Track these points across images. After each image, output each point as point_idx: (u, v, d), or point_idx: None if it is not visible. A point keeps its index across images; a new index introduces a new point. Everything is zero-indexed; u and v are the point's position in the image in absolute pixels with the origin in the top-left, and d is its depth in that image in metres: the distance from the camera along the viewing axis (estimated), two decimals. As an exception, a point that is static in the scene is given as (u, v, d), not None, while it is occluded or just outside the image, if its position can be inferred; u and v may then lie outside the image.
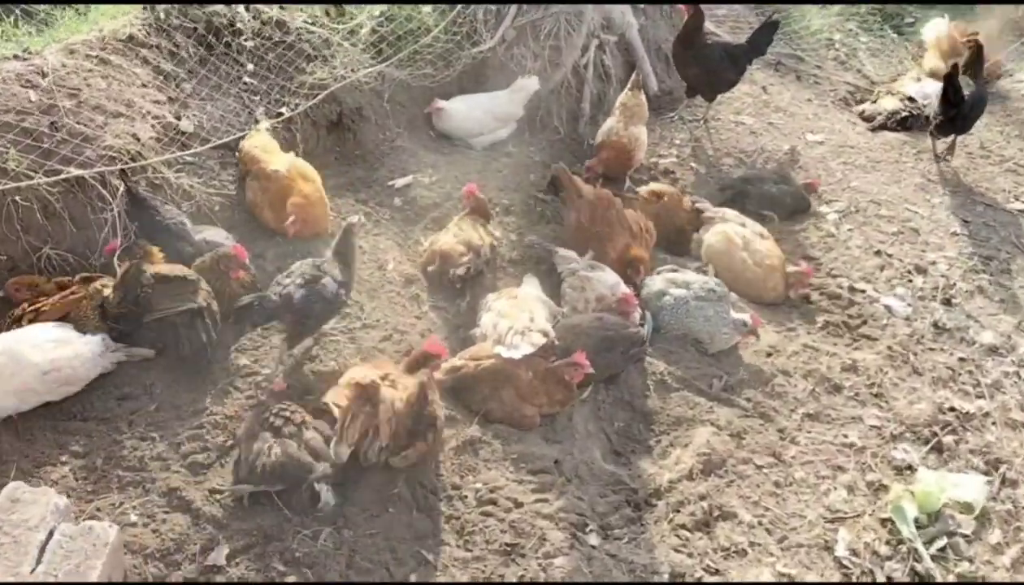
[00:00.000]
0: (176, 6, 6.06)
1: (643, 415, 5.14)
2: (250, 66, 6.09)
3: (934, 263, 6.63)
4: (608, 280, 5.60)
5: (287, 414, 4.24)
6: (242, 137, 5.88)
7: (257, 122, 6.00)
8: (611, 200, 6.01)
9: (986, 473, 4.96)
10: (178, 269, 4.79)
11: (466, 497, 4.40)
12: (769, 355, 5.61)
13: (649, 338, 5.49)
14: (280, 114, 6.18)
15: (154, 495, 4.13)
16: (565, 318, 5.42)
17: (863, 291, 6.27)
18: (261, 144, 5.69)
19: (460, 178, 6.51)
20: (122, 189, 5.17)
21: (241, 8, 6.22)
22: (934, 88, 8.63)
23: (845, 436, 5.09)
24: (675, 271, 5.88)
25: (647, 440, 5.04)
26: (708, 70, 7.43)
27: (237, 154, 5.79)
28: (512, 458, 4.63)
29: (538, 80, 7.11)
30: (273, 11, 6.37)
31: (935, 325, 6.03)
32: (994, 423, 5.30)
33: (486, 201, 5.96)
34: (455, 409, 4.87)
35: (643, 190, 6.60)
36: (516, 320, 5.08)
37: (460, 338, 5.39)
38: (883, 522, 4.60)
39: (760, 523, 4.51)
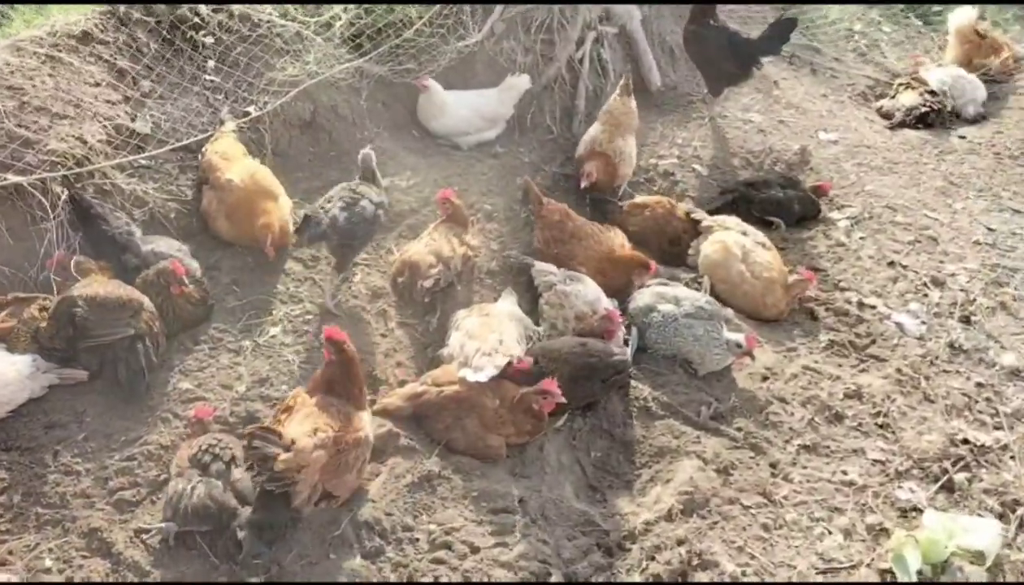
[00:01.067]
0: (136, -2, 5.70)
1: (623, 445, 4.73)
2: (211, 63, 5.71)
3: (953, 275, 6.10)
4: (588, 295, 5.17)
5: (216, 451, 3.87)
6: (204, 138, 5.52)
7: (222, 123, 5.63)
8: (566, 213, 5.60)
9: (1001, 516, 4.46)
10: (116, 292, 4.44)
11: (418, 540, 4.01)
12: (765, 379, 5.15)
13: (633, 355, 5.07)
14: (247, 113, 5.81)
15: (73, 536, 3.80)
16: (544, 341, 5.00)
17: (873, 307, 5.77)
18: (222, 150, 5.31)
19: (441, 182, 6.11)
20: (64, 197, 4.83)
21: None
22: (957, 76, 8.16)
23: (844, 472, 4.63)
24: (665, 285, 5.43)
25: (626, 474, 4.63)
26: (704, 53, 6.96)
27: (200, 158, 5.42)
28: (472, 495, 4.23)
29: (529, 78, 6.67)
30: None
31: (951, 345, 5.52)
32: (1013, 458, 4.81)
33: (463, 207, 5.54)
34: (415, 438, 4.48)
35: (625, 203, 6.14)
36: (484, 341, 4.67)
37: (428, 358, 4.99)
38: (882, 573, 4.14)
39: (744, 573, 4.07)
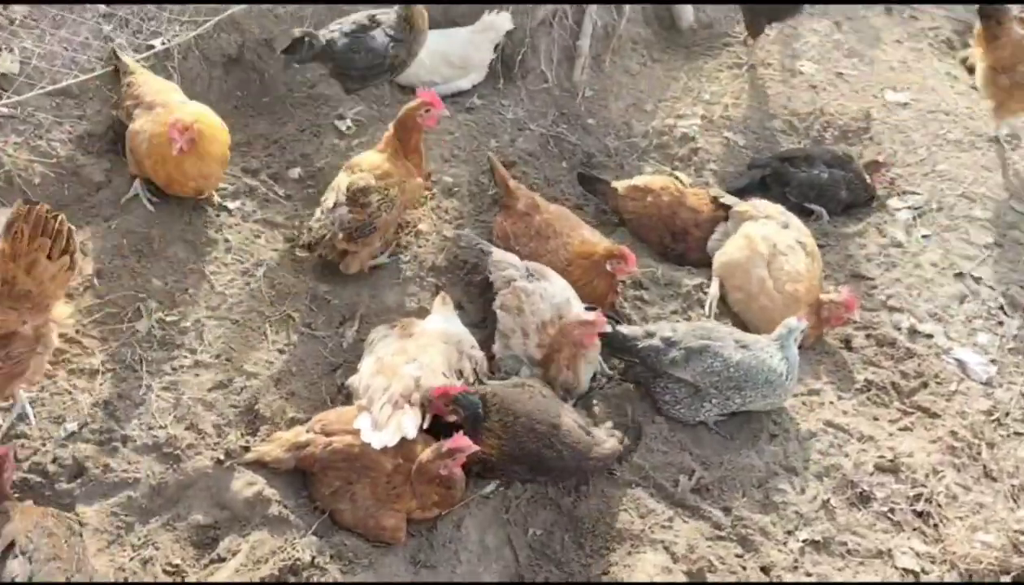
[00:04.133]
0: None
1: (572, 521, 3.62)
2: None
3: (1040, 296, 4.74)
4: (555, 295, 3.98)
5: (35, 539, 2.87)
6: (90, 79, 4.42)
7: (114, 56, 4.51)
8: (534, 204, 4.38)
9: (1075, 667, 3.27)
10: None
11: (263, 666, 3.00)
12: (773, 438, 3.94)
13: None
14: (151, 47, 4.66)
15: None
16: (499, 379, 3.81)
17: (928, 336, 4.47)
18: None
19: (392, 142, 4.90)
20: None
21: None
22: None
23: (862, 586, 3.46)
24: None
25: (570, 561, 3.55)
26: None
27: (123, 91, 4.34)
28: (352, 596, 3.20)
29: (510, 17, 5.34)
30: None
31: (1028, 398, 4.23)
32: (1100, 574, 3.57)
33: (421, 138, 4.30)
34: (294, 505, 3.45)
35: (622, 184, 4.84)
36: (395, 377, 3.56)
37: (335, 387, 3.90)
38: None
39: None
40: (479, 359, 3.87)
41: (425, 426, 3.46)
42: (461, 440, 3.29)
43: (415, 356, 3.66)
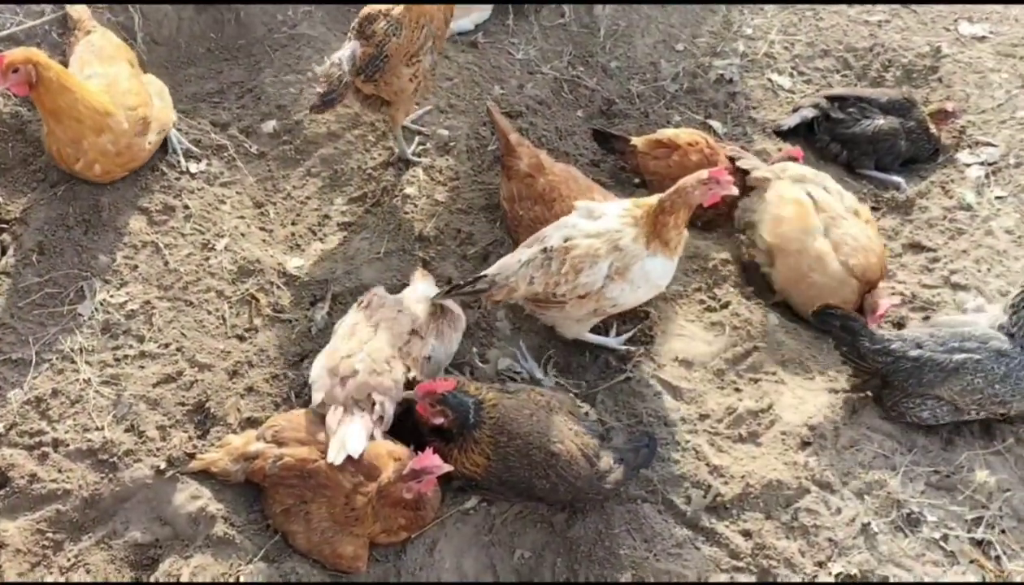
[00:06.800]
0: None
1: (565, 544, 3.13)
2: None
3: None
4: None
5: None
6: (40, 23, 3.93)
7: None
8: (538, 165, 3.72)
9: None
10: None
11: None
12: (805, 445, 3.36)
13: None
14: (107, -16, 4.15)
15: None
16: (503, 391, 3.19)
17: (999, 320, 3.81)
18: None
19: (382, 90, 4.33)
20: None
21: None
22: None
23: (907, 636, 2.93)
24: None
25: (561, 593, 3.06)
26: None
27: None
28: (300, 637, 2.78)
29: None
30: None
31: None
32: None
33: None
34: (244, 522, 3.03)
35: (642, 140, 4.18)
36: (338, 365, 3.08)
37: (302, 380, 3.43)
38: None
39: None
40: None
41: (381, 434, 2.98)
42: (429, 459, 2.79)
43: (366, 340, 3.16)
